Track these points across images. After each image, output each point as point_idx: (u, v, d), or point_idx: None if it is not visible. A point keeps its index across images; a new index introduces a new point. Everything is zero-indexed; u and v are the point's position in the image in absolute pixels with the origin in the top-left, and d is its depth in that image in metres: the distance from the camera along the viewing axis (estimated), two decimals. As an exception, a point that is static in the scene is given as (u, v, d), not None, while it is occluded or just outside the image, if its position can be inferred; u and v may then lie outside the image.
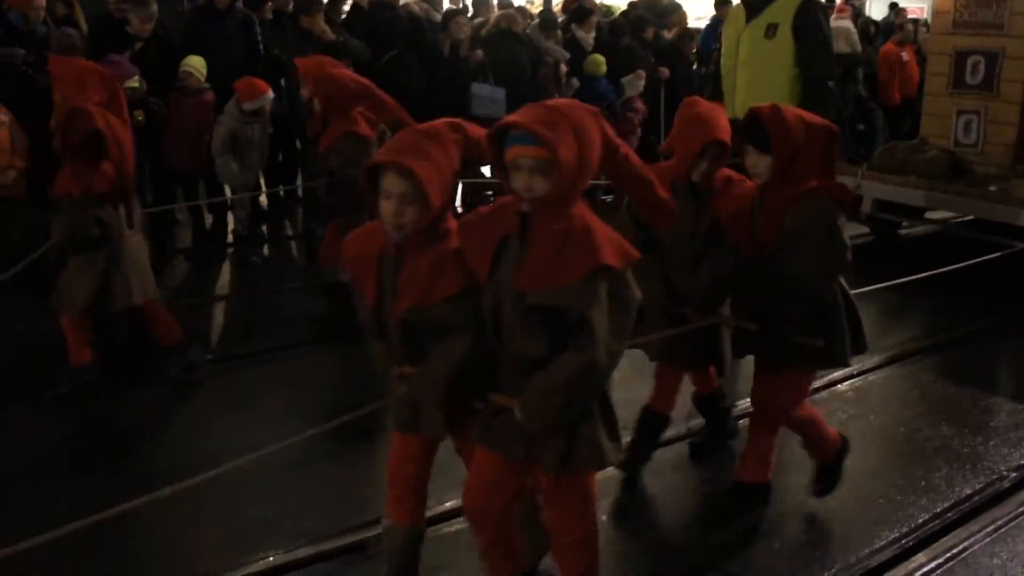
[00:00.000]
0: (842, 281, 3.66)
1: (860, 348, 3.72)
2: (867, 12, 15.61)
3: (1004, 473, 4.38)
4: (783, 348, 3.58)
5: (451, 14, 9.12)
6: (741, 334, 3.72)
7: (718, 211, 3.69)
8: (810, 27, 5.66)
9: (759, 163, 3.51)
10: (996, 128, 8.21)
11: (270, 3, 8.62)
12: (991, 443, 4.70)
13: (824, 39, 5.72)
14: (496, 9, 10.39)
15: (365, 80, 5.77)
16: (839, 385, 5.36)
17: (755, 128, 3.49)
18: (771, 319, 3.58)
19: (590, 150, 2.47)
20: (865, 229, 8.50)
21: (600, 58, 9.58)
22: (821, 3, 5.93)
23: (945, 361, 5.95)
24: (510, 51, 8.86)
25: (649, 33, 10.41)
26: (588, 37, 9.92)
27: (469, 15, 10.12)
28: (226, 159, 7.37)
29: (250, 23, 8.08)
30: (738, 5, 5.98)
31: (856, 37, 12.39)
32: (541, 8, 13.33)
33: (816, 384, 4.90)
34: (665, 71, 10.19)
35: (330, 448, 4.31)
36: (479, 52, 8.72)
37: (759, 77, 5.73)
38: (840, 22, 12.57)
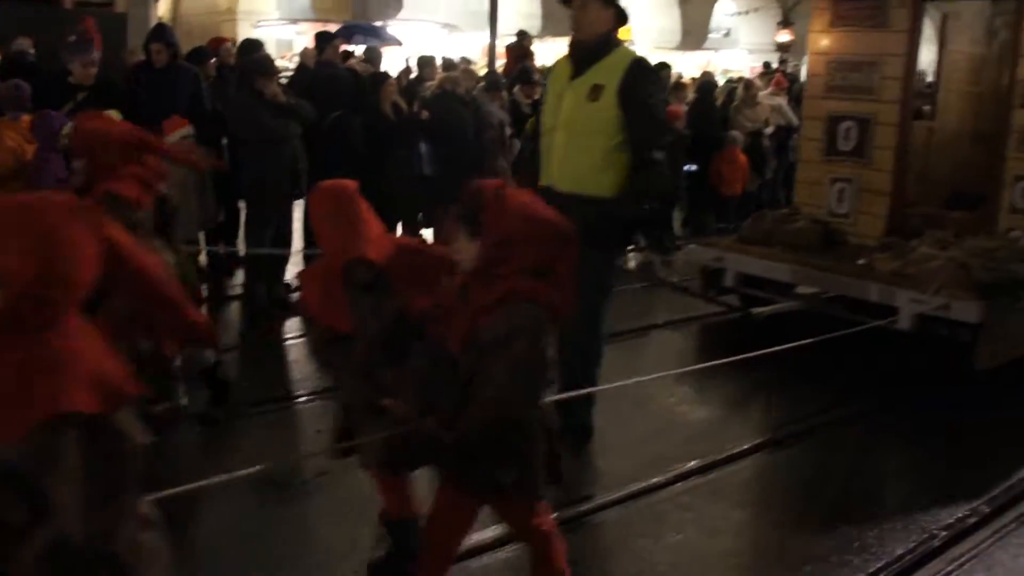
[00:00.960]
0: (543, 401, 3.12)
1: (555, 478, 3.18)
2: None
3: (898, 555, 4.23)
4: (469, 469, 3.03)
5: (380, 78, 9.07)
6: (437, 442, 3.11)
7: (406, 302, 3.15)
8: (637, 92, 5.01)
9: (467, 249, 3.01)
10: (869, 197, 7.82)
11: (214, 60, 8.70)
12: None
13: (652, 105, 5.04)
14: (439, 70, 10.67)
15: (144, 135, 5.06)
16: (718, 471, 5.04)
17: (471, 208, 2.96)
18: (462, 433, 2.97)
19: (61, 260, 1.94)
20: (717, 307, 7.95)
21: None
22: (651, 66, 5.36)
23: (812, 447, 5.61)
24: (454, 112, 8.84)
25: None
26: (528, 100, 9.99)
27: (413, 75, 10.48)
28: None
29: (195, 78, 8.00)
30: (564, 58, 5.33)
31: (789, 111, 12.26)
32: (486, 70, 13.70)
33: (688, 467, 4.85)
34: None
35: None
36: (424, 112, 8.75)
37: (578, 142, 5.06)
38: (773, 99, 12.43)
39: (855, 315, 6.82)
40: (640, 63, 5.15)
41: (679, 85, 12.75)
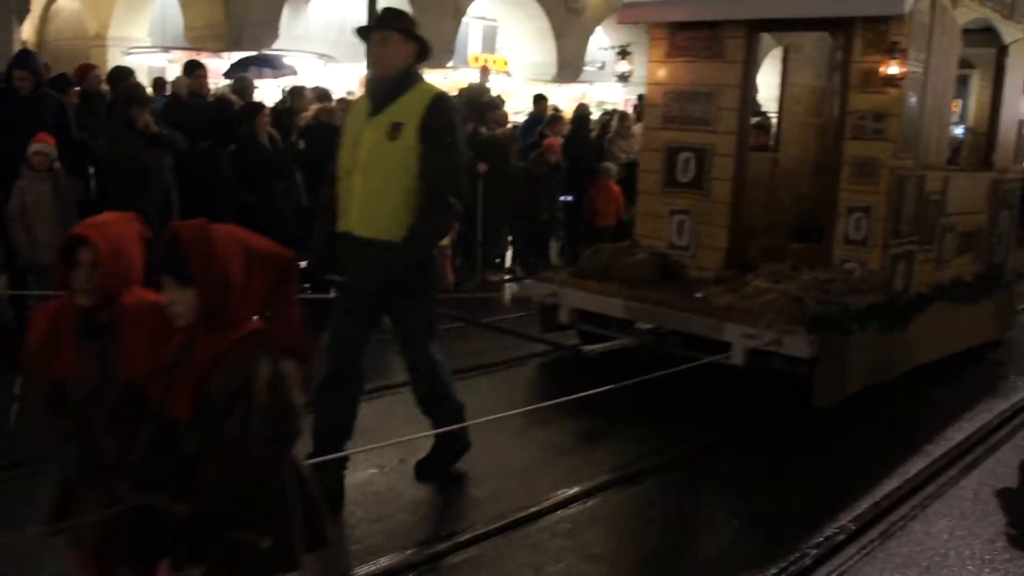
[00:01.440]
0: (295, 456, 2.76)
1: (318, 542, 2.81)
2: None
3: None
4: (218, 544, 2.62)
5: (253, 109, 8.88)
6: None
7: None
8: (437, 130, 4.67)
9: (179, 299, 2.64)
10: (707, 230, 7.66)
11: (78, 88, 8.51)
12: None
13: (451, 145, 4.68)
14: (311, 99, 10.70)
15: None
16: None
17: (175, 253, 2.60)
18: (204, 504, 2.57)
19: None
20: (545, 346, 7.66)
21: None
22: (454, 104, 5.03)
23: (669, 480, 5.44)
24: (328, 143, 8.65)
25: (468, 128, 10.28)
26: None
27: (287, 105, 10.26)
28: (16, 227, 7.05)
29: (60, 106, 7.71)
30: (362, 96, 4.95)
31: None
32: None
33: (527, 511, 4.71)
34: (483, 166, 10.13)
35: None
36: (300, 142, 8.74)
37: (378, 184, 4.65)
38: None
39: (692, 351, 6.62)
40: (442, 99, 4.81)
41: (556, 118, 12.60)
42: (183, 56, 18.91)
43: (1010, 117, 8.61)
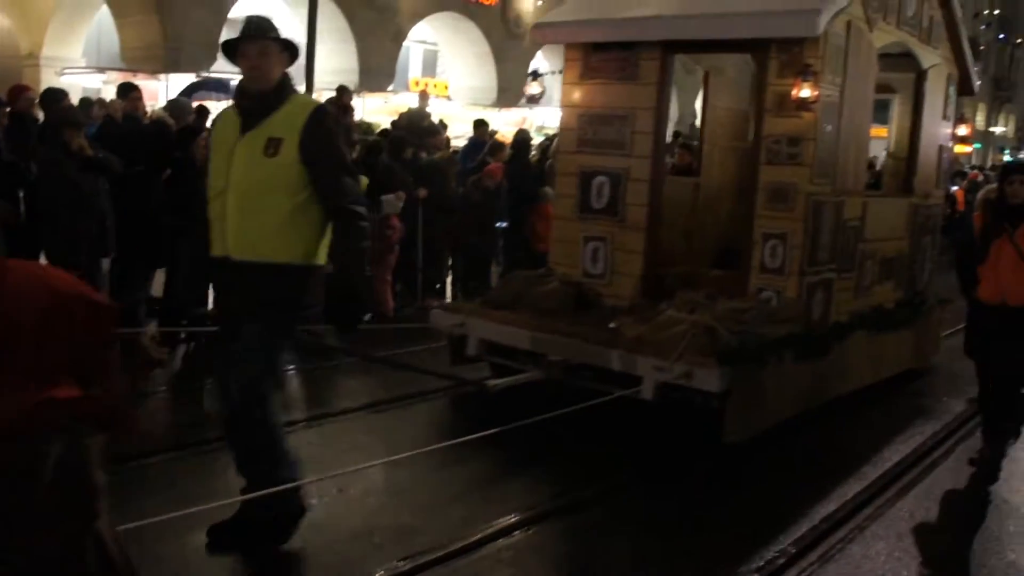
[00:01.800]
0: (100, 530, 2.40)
1: None
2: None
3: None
4: None
5: (191, 132, 8.61)
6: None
7: None
8: (322, 143, 4.31)
9: None
10: (623, 257, 7.39)
11: (9, 109, 8.16)
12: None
13: (338, 157, 4.37)
14: None
15: None
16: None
17: None
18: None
19: None
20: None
21: (361, 178, 9.00)
22: (334, 114, 4.68)
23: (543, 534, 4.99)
24: None
25: (408, 153, 10.40)
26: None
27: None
28: None
29: None
30: (230, 110, 4.54)
31: None
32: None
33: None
34: (423, 191, 10.07)
35: None
36: None
37: (255, 204, 4.27)
38: None
39: (603, 384, 6.33)
40: (323, 111, 4.48)
41: (499, 145, 12.37)
42: (119, 77, 18.39)
43: (930, 142, 8.47)
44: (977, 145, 47.47)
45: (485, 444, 5.31)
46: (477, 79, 27.92)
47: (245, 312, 4.32)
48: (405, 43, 26.92)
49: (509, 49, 27.34)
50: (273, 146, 4.29)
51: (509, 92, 27.72)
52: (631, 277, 7.36)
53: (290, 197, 4.31)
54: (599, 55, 7.45)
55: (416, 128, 12.01)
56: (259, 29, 4.44)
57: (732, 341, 6.17)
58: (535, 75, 7.84)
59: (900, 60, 8.32)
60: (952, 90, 8.77)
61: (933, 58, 8.30)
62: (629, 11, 7.29)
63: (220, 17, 20.95)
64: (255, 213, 4.32)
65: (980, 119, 51.20)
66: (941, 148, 8.71)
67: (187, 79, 19.85)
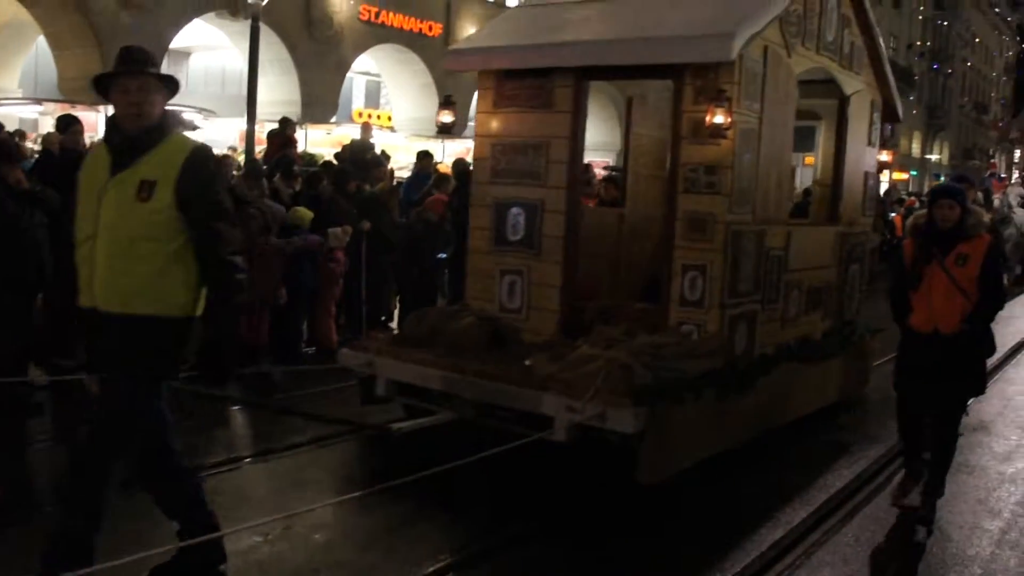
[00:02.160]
0: None
1: None
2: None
3: None
4: None
5: None
6: None
7: None
8: (200, 187, 3.94)
9: None
10: (540, 291, 7.02)
11: None
12: None
13: (218, 202, 4.02)
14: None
15: None
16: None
17: None
18: None
19: None
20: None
21: (305, 211, 9.20)
22: (214, 154, 4.29)
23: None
24: None
25: (351, 186, 10.20)
26: (290, 190, 9.82)
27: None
28: None
29: None
30: (100, 149, 4.14)
31: None
32: (243, 156, 13.33)
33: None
34: (366, 224, 9.86)
35: None
36: None
37: (126, 251, 3.87)
38: None
39: (518, 425, 5.93)
40: (203, 152, 4.09)
41: (444, 177, 11.91)
42: (57, 108, 17.83)
43: (855, 169, 8.22)
44: (914, 172, 48.09)
45: (391, 491, 4.95)
46: (420, 110, 27.67)
47: (114, 366, 3.90)
48: (348, 74, 26.68)
49: (453, 83, 27.12)
50: (146, 189, 3.91)
51: (454, 124, 27.37)
52: (549, 312, 6.99)
53: (164, 244, 3.96)
54: (513, 82, 7.12)
55: (359, 160, 11.84)
56: (139, 63, 4.06)
57: (648, 379, 5.80)
58: (447, 102, 7.40)
59: (823, 86, 8.08)
60: (877, 116, 8.55)
61: (856, 84, 8.07)
62: (543, 37, 6.98)
63: (160, 48, 20.51)
64: (126, 262, 3.94)
65: (916, 147, 51.90)
66: (867, 175, 8.47)
67: None
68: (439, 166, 14.03)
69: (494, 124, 7.25)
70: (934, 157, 51.94)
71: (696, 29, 6.39)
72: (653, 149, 8.44)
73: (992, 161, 61.43)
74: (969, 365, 5.80)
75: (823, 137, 8.42)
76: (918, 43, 48.86)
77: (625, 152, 8.71)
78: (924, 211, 5.99)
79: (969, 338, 5.72)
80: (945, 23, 51.80)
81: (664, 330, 6.54)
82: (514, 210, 7.12)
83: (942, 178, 48.56)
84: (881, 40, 8.35)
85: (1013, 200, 19.92)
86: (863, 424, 7.82)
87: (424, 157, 13.28)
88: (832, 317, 8.05)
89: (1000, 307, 5.82)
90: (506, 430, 5.89)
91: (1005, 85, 69.44)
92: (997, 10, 59.70)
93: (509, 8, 7.59)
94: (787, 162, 7.14)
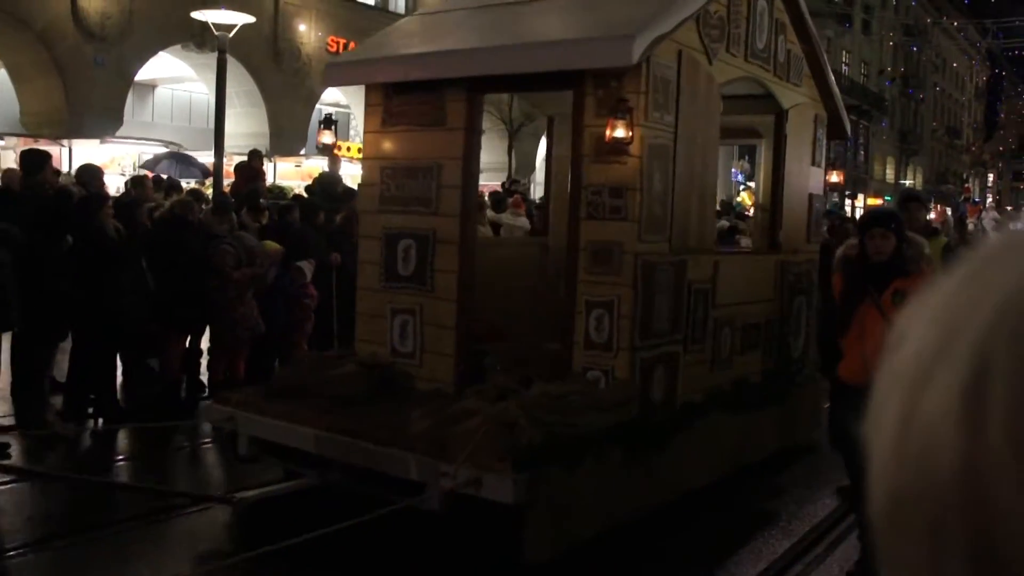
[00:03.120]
0: None
1: None
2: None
3: None
4: None
5: (97, 200, 7.76)
6: None
7: None
8: None
9: None
10: (434, 333, 5.97)
11: None
12: None
13: None
14: (148, 189, 10.02)
15: None
16: None
17: None
18: None
19: None
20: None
21: (273, 244, 8.69)
22: None
23: None
24: (179, 236, 8.03)
25: (320, 218, 9.72)
26: (256, 224, 9.42)
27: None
28: None
29: None
30: None
31: None
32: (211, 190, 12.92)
33: None
34: (337, 257, 9.24)
35: None
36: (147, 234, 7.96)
37: None
38: (517, 219, 11.70)
39: (392, 491, 4.89)
40: None
41: None
42: (19, 143, 16.89)
43: (797, 191, 7.19)
44: (888, 197, 47.14)
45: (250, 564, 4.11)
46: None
47: None
48: (317, 106, 25.69)
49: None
50: None
51: (335, 145, 26.55)
52: (443, 356, 5.94)
53: None
54: (401, 98, 6.11)
55: (330, 193, 11.21)
56: None
57: (537, 437, 4.74)
58: (328, 122, 6.35)
59: (764, 102, 7.07)
60: (821, 132, 7.52)
61: (795, 97, 7.06)
62: (431, 46, 5.98)
63: (126, 81, 19.56)
64: None
65: (890, 172, 51.02)
66: (812, 197, 7.43)
67: (90, 144, 18.43)
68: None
69: (383, 145, 6.24)
70: (908, 182, 51.00)
71: (595, 32, 5.38)
72: (577, 172, 7.41)
73: (966, 185, 60.64)
74: None
75: (764, 157, 7.39)
76: (889, 69, 48.07)
77: (548, 176, 7.69)
78: (855, 240, 4.95)
79: None
80: (915, 48, 51.07)
81: (568, 377, 5.47)
82: (404, 241, 6.08)
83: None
84: (822, 49, 7.35)
85: (988, 225, 19.08)
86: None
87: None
88: (774, 356, 6.98)
89: None
90: (379, 497, 4.84)
91: (976, 109, 68.83)
92: (964, 35, 59.10)
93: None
94: (711, 184, 6.12)
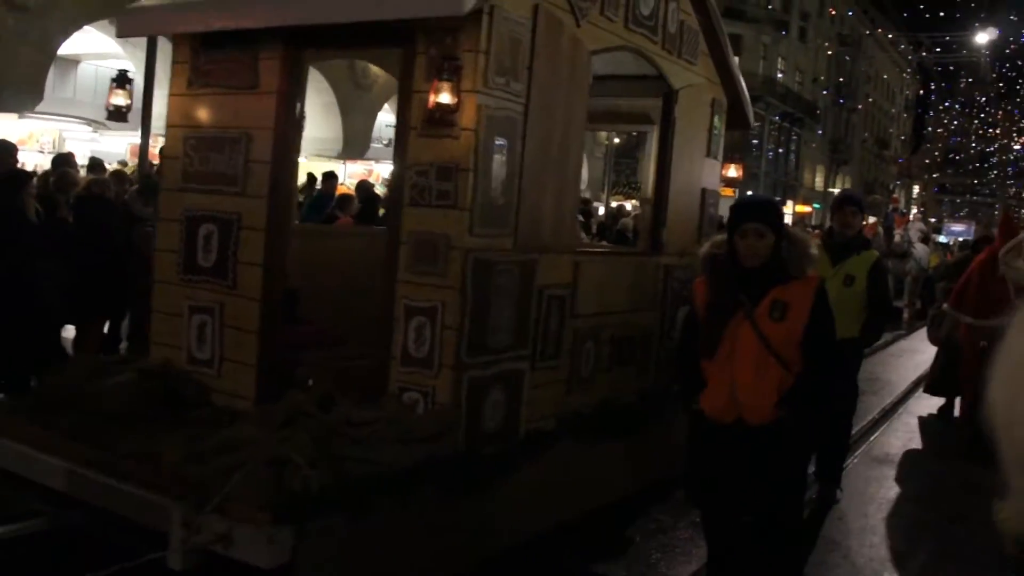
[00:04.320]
0: None
1: None
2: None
3: None
4: None
5: (20, 178, 6.72)
6: None
7: None
8: None
9: None
10: (235, 337, 4.77)
11: None
12: None
13: None
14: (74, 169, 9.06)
15: None
16: None
17: None
18: None
19: None
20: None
21: None
22: None
23: None
24: (101, 217, 7.27)
25: None
26: None
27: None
28: None
29: None
30: None
31: None
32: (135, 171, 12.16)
33: None
34: None
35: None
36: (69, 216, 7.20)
37: None
38: None
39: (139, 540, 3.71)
40: None
41: (347, 197, 10.88)
42: None
43: (687, 184, 6.09)
44: (817, 205, 46.74)
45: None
46: (323, 130, 25.32)
47: None
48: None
49: (356, 100, 25.02)
50: None
51: (355, 144, 25.43)
52: (245, 366, 4.74)
53: None
54: (210, 55, 4.92)
55: None
56: None
57: (315, 479, 3.57)
58: (122, 80, 5.08)
59: (656, 83, 5.96)
60: (719, 120, 6.43)
61: (688, 76, 5.97)
62: (242, -10, 4.73)
63: (47, 55, 18.01)
64: None
65: (819, 180, 50.60)
66: (705, 193, 6.34)
67: (9, 119, 16.89)
68: (341, 188, 12.95)
69: (187, 111, 5.02)
70: (837, 190, 50.72)
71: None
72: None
73: (894, 196, 60.62)
74: (787, 470, 3.67)
75: (654, 146, 6.26)
76: (823, 77, 47.54)
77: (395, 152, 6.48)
78: (722, 238, 3.85)
79: (789, 432, 3.60)
80: (849, 59, 50.62)
81: (382, 399, 4.31)
82: (206, 227, 4.87)
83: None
84: (723, 25, 6.25)
85: (914, 235, 18.40)
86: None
87: (329, 178, 12.21)
88: (652, 374, 5.88)
89: (829, 384, 3.74)
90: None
91: (905, 122, 68.91)
92: (900, 49, 58.94)
93: None
94: (574, 168, 4.98)
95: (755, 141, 39.70)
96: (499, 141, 4.29)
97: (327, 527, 3.54)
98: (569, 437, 4.94)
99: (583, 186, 28.36)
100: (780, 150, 43.24)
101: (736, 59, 6.76)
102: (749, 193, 26.52)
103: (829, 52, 47.47)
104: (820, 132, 47.94)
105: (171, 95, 5.11)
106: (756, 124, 40.07)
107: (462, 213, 4.19)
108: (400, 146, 4.41)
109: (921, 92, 69.80)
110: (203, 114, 4.95)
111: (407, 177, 4.34)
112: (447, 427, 4.16)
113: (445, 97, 3.99)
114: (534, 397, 4.72)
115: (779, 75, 41.59)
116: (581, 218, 14.75)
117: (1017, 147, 60.89)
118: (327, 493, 3.60)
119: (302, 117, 4.88)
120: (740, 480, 3.66)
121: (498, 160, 4.30)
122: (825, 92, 47.87)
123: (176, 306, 4.99)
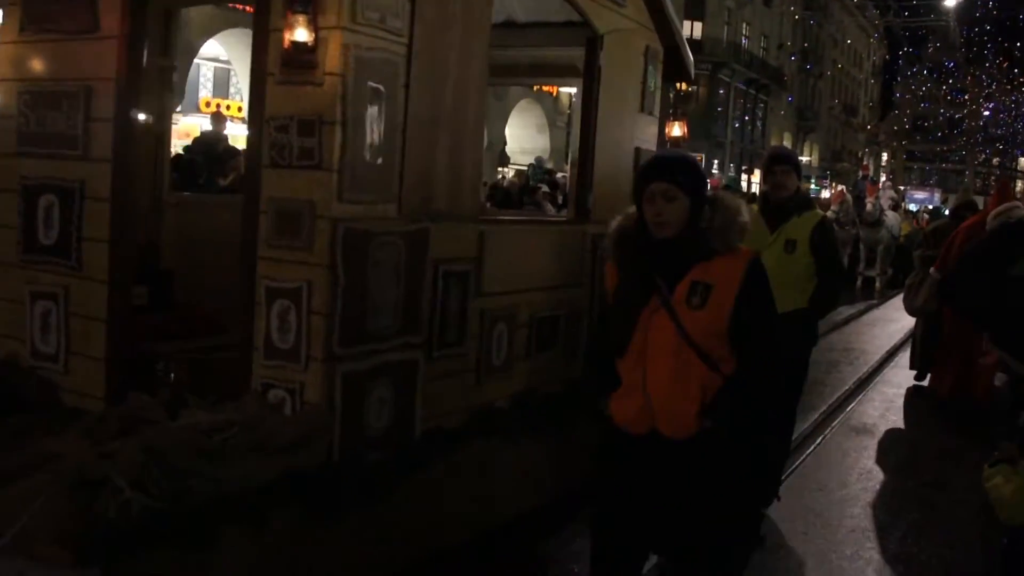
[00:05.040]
0: None
1: None
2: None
3: None
4: None
5: None
6: None
7: None
8: None
9: None
10: (82, 327, 4.08)
11: None
12: None
13: None
14: None
15: None
16: None
17: None
18: None
19: None
20: None
21: None
22: None
23: None
24: None
25: (201, 179, 9.32)
26: None
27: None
28: None
29: None
30: None
31: None
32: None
33: None
34: None
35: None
36: None
37: None
38: None
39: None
40: None
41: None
42: None
43: (616, 143, 5.44)
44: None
45: None
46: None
47: None
48: (195, 60, 23.24)
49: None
50: None
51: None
52: (93, 360, 4.05)
53: None
54: (44, -7, 4.14)
55: (211, 153, 10.15)
56: None
57: (138, 505, 2.91)
58: None
59: (581, 30, 5.28)
60: (654, 70, 5.77)
61: (616, 20, 5.30)
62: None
63: None
64: None
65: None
66: (639, 152, 5.69)
67: None
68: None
69: (20, 61, 4.30)
70: (804, 159, 50.20)
71: None
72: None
73: (864, 164, 60.37)
74: (720, 498, 2.99)
75: (581, 102, 5.59)
76: (789, 43, 46.98)
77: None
78: (633, 210, 3.16)
79: (719, 446, 2.94)
80: (815, 23, 50.07)
81: (243, 399, 3.64)
82: (46, 197, 4.16)
83: (812, 180, 46.86)
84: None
85: (885, 203, 17.98)
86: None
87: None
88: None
89: (781, 386, 3.12)
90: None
91: (873, 88, 68.56)
92: (867, 14, 58.47)
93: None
94: (475, 122, 4.29)
95: (720, 109, 39.14)
96: (374, 87, 3.60)
97: (150, 567, 2.89)
98: (481, 435, 4.30)
99: (545, 156, 27.67)
100: (746, 117, 42.72)
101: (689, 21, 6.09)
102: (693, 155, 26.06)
103: (796, 17, 46.88)
104: (791, 99, 47.41)
105: (2, 43, 4.37)
106: (720, 92, 39.48)
107: (328, 175, 3.51)
108: (256, 96, 3.72)
109: (888, 58, 69.48)
110: (38, 65, 4.23)
111: (265, 133, 3.65)
112: (316, 432, 3.51)
113: (301, 34, 3.31)
114: (433, 391, 4.07)
115: (744, 41, 40.95)
116: (547, 189, 14.13)
117: (986, 113, 60.73)
118: (154, 522, 2.95)
119: (142, 69, 4.15)
120: (646, 511, 2.98)
121: (373, 111, 3.62)
122: (793, 58, 47.33)
123: (17, 291, 4.29)
